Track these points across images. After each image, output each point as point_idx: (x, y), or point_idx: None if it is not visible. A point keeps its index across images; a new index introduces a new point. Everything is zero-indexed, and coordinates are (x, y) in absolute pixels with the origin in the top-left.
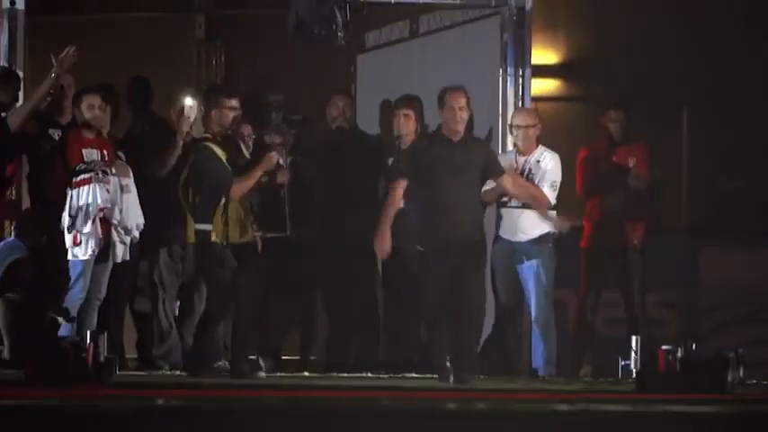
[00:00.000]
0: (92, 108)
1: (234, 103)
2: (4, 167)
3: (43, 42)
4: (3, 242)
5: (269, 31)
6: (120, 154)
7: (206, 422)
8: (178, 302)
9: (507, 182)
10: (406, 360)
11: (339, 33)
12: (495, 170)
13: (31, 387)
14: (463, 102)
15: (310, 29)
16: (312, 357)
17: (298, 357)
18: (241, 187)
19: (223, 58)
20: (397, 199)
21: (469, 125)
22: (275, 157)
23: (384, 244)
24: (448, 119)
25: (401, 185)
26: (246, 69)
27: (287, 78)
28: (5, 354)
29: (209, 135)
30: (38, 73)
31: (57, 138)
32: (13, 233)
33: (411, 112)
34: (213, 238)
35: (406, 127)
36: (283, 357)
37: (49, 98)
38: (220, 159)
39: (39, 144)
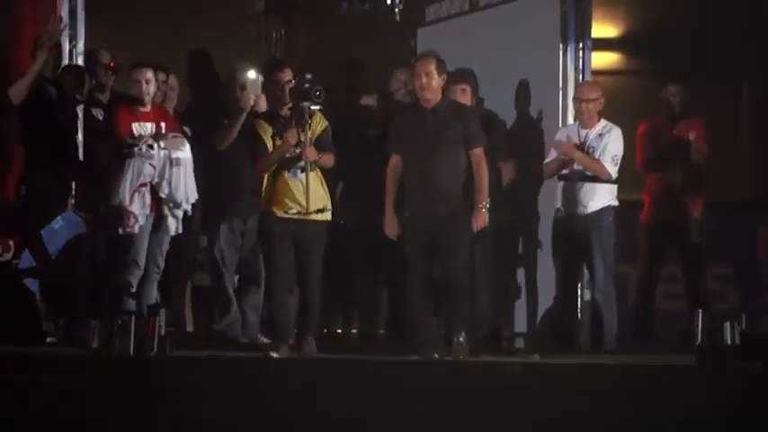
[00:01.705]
0: (144, 82)
1: (288, 76)
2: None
3: (104, 17)
4: (63, 217)
5: (329, 5)
6: (186, 129)
7: (265, 394)
8: (237, 277)
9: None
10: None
11: (396, 9)
12: (471, 142)
13: (92, 361)
14: (430, 68)
15: (363, 3)
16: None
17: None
18: (262, 164)
19: (283, 32)
20: (389, 176)
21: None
22: (294, 137)
23: (390, 226)
24: (416, 86)
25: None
26: (306, 43)
27: (347, 52)
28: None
29: (261, 110)
30: (98, 48)
31: (100, 116)
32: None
33: (467, 87)
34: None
35: (463, 101)
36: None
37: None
38: (263, 135)
39: (92, 117)
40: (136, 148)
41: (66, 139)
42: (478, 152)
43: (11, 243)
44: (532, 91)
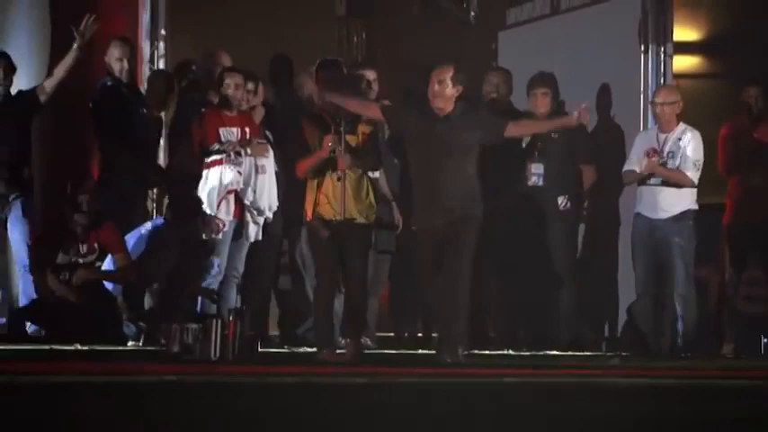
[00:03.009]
0: (232, 87)
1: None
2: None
3: (185, 18)
4: (151, 223)
5: (409, 8)
6: (268, 133)
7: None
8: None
9: (512, 130)
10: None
11: (471, 12)
12: (495, 127)
13: (175, 364)
14: (445, 76)
15: (439, 5)
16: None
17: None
18: (301, 167)
19: (364, 36)
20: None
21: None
22: (329, 143)
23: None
24: (428, 93)
25: None
26: (386, 47)
27: (427, 55)
28: (143, 335)
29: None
30: (180, 49)
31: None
32: (156, 215)
33: (548, 90)
34: (309, 215)
35: (544, 105)
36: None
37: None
38: (308, 137)
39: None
40: (224, 155)
41: (144, 144)
42: (509, 128)
43: (96, 245)
44: (614, 94)
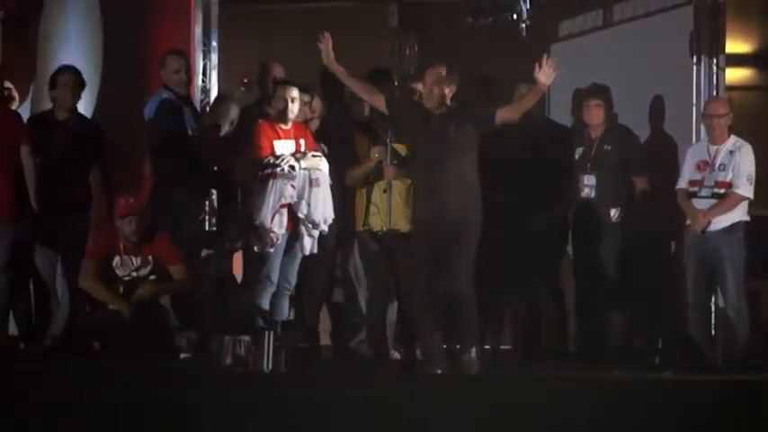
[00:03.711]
0: (287, 100)
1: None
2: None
3: (236, 32)
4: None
5: (462, 19)
6: (323, 146)
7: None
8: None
9: (503, 114)
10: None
11: (522, 24)
12: (488, 116)
13: (227, 376)
14: (438, 77)
15: (491, 15)
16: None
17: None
18: (349, 176)
19: (416, 48)
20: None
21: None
22: (375, 155)
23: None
24: (423, 95)
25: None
26: (439, 58)
27: (480, 66)
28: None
29: None
30: (229, 63)
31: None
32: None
33: (602, 102)
34: (358, 226)
35: (598, 117)
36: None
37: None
38: (357, 147)
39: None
40: (278, 169)
41: (198, 157)
42: (500, 113)
43: (149, 258)
44: (666, 106)
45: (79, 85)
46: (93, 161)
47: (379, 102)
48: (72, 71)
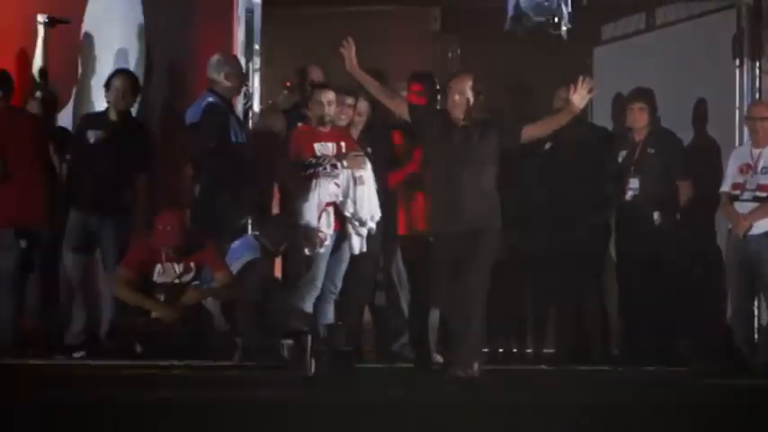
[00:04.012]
0: (326, 104)
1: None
2: None
3: (278, 35)
4: (240, 240)
5: (503, 23)
6: (369, 149)
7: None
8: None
9: (529, 131)
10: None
11: (562, 27)
12: (514, 130)
13: (271, 380)
14: (464, 86)
15: (530, 19)
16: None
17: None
18: (391, 179)
19: (459, 51)
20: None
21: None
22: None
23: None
24: (448, 103)
25: None
26: (481, 62)
27: (521, 70)
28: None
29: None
30: (273, 66)
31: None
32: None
33: (645, 106)
34: (402, 230)
35: (641, 120)
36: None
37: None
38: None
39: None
40: (320, 168)
41: (242, 160)
42: (525, 130)
43: (192, 265)
44: (709, 109)
45: (132, 88)
46: (140, 166)
47: (402, 108)
48: (125, 75)
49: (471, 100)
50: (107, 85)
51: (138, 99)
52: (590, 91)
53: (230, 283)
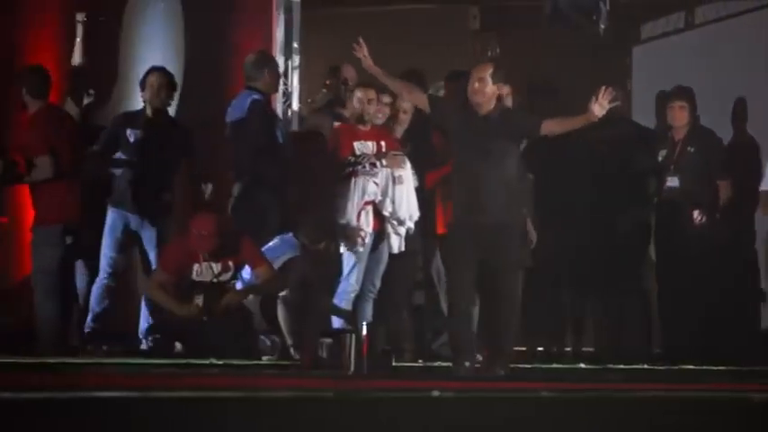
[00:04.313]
0: (364, 102)
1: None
2: None
3: (318, 35)
4: (279, 238)
5: (542, 21)
6: (409, 148)
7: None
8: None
9: (548, 125)
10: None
11: (601, 25)
12: (533, 125)
13: (310, 378)
14: (485, 74)
15: (569, 16)
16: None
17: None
18: (429, 178)
19: (498, 50)
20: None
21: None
22: None
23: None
24: (468, 90)
25: None
26: (521, 60)
27: (560, 69)
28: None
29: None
30: (312, 65)
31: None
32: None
33: (686, 104)
34: (440, 228)
35: (682, 118)
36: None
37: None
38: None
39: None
40: (359, 167)
41: (281, 158)
42: (544, 125)
43: (230, 263)
44: (749, 108)
45: (167, 86)
46: (179, 164)
47: (422, 101)
48: (160, 72)
49: (491, 88)
50: (142, 83)
51: (176, 97)
52: (612, 101)
53: (272, 276)
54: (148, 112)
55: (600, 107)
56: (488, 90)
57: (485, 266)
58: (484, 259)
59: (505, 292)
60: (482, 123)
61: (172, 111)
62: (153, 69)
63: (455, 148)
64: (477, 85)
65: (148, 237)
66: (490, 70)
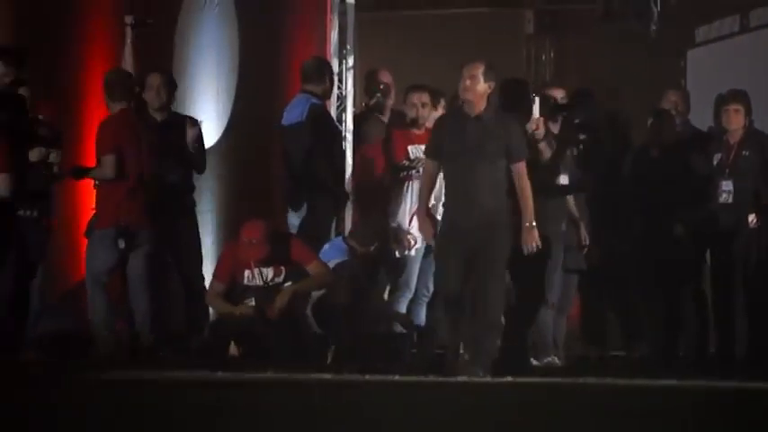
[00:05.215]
0: (420, 105)
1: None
2: None
3: (372, 38)
4: (329, 244)
5: (597, 26)
6: None
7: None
8: None
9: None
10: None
11: (652, 26)
12: (512, 155)
13: (361, 380)
14: (476, 72)
15: (621, 18)
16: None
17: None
18: None
19: (552, 54)
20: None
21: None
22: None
23: (424, 228)
24: (459, 88)
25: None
26: (576, 64)
27: (615, 73)
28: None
29: None
30: (366, 68)
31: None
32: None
33: (741, 107)
34: None
35: (736, 122)
36: None
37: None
38: None
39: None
40: (414, 171)
41: (337, 162)
42: (520, 166)
43: (282, 268)
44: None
45: (167, 85)
46: (197, 165)
47: (431, 165)
48: (158, 72)
49: (483, 86)
50: (142, 84)
51: (233, 100)
52: (536, 244)
53: (325, 272)
54: (152, 112)
55: (526, 248)
56: (479, 88)
57: (471, 266)
58: (470, 258)
59: (490, 292)
60: (474, 125)
61: (227, 114)
62: (152, 71)
63: (447, 148)
64: (468, 82)
65: (177, 240)
66: (481, 68)
